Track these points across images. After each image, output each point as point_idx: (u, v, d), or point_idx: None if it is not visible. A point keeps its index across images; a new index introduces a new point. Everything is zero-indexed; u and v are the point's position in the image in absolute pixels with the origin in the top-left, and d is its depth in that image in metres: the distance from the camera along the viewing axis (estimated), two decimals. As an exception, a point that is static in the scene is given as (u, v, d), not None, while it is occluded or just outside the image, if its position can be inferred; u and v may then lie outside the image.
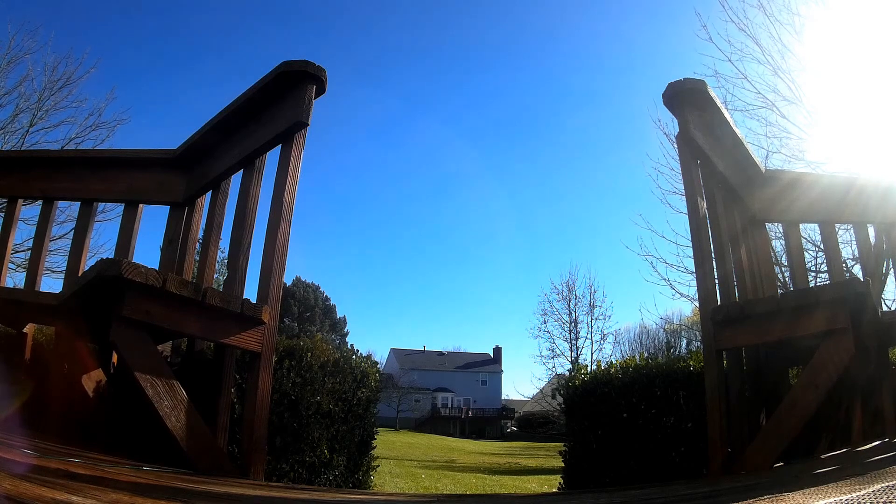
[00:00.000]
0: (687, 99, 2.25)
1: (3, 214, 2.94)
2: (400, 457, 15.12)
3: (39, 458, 1.29)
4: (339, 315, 42.81)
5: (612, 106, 64.21)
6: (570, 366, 26.39)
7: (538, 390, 32.14)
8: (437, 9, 67.20)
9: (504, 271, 77.14)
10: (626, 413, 2.82)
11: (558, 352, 30.05)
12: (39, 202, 2.79)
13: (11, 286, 3.54)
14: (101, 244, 9.95)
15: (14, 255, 8.44)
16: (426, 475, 9.22)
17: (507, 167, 74.37)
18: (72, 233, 3.77)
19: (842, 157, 7.60)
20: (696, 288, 4.56)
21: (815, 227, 4.32)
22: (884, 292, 7.33)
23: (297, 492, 1.77)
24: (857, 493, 0.91)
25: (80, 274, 2.44)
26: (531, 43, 66.99)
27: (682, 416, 2.66)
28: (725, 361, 2.09)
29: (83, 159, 2.97)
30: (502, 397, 52.48)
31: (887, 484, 0.97)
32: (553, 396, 26.86)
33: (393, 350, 52.96)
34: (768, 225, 2.75)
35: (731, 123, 2.38)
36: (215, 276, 2.51)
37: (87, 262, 2.62)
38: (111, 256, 1.87)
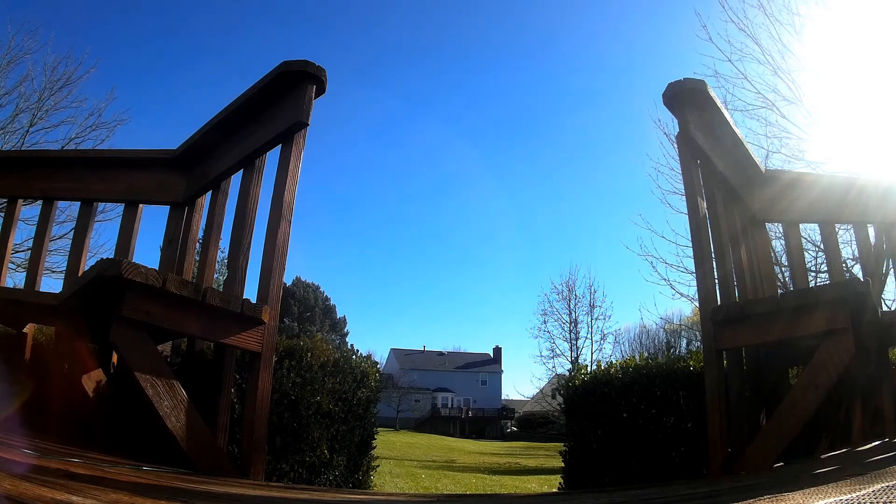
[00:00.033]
0: (687, 99, 2.25)
1: (3, 214, 2.94)
2: (400, 457, 15.12)
3: (39, 458, 1.29)
4: (339, 315, 42.84)
5: (612, 106, 64.32)
6: (570, 366, 26.40)
7: (538, 390, 32.16)
8: (437, 9, 67.28)
9: (504, 271, 77.26)
10: (626, 413, 2.82)
11: (558, 352, 30.09)
12: (39, 202, 2.79)
13: (11, 286, 3.54)
14: (101, 244, 9.98)
15: (14, 255, 8.45)
16: (426, 475, 9.22)
17: (507, 167, 74.50)
18: (72, 233, 3.77)
19: (842, 157, 7.61)
20: (696, 288, 4.56)
21: (815, 227, 4.32)
22: (884, 292, 7.33)
23: (297, 492, 1.77)
24: (857, 493, 0.91)
25: (80, 274, 2.44)
26: (531, 43, 67.13)
27: (682, 416, 2.66)
28: (725, 361, 2.09)
29: (83, 159, 2.97)
30: (502, 397, 52.49)
31: (887, 484, 0.97)
32: (553, 396, 26.86)
33: (393, 350, 52.97)
34: (768, 225, 2.75)
35: (731, 123, 2.38)
36: (215, 276, 2.51)
37: (87, 262, 2.62)
38: (111, 256, 1.87)
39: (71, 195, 3.01)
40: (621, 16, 57.32)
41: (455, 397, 50.89)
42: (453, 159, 75.39)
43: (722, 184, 2.40)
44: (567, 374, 6.91)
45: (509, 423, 48.60)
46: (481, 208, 75.28)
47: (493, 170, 74.89)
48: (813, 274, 7.68)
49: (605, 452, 2.88)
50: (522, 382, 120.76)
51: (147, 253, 13.99)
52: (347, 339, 41.35)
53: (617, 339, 36.53)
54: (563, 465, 3.26)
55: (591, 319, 30.43)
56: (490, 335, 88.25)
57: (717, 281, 2.22)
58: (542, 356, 32.94)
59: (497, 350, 55.34)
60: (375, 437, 3.24)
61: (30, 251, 4.58)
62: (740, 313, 1.95)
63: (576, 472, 3.09)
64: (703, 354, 2.14)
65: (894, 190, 2.67)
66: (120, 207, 2.99)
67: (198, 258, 2.61)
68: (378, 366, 3.44)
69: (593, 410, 3.00)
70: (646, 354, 12.50)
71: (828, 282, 3.12)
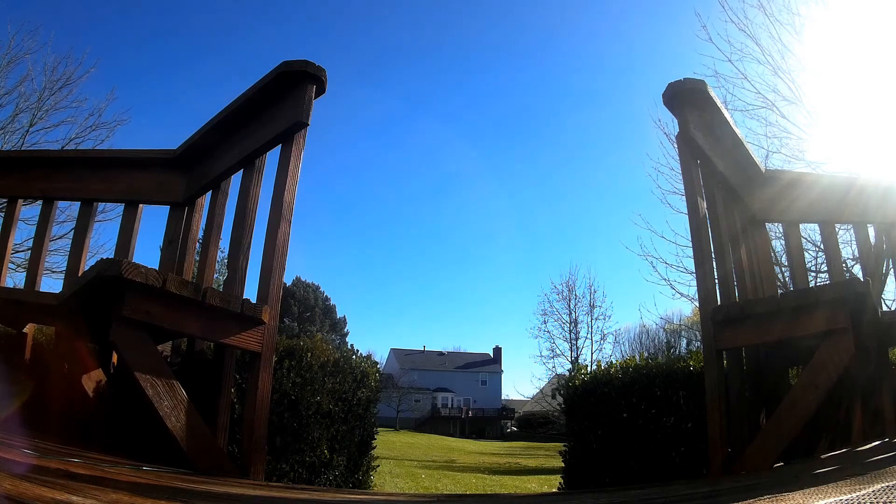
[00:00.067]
0: (687, 99, 2.25)
1: (3, 214, 2.94)
2: (400, 457, 15.12)
3: (39, 458, 1.29)
4: (339, 315, 42.83)
5: (612, 106, 64.32)
6: (570, 366, 26.40)
7: (538, 390, 32.15)
8: (437, 9, 67.27)
9: (504, 271, 77.25)
10: (626, 413, 2.82)
11: (558, 352, 30.09)
12: (39, 202, 2.79)
13: (11, 286, 3.54)
14: (101, 244, 9.98)
15: (14, 255, 8.45)
16: (426, 475, 9.22)
17: (507, 167, 74.46)
18: (72, 233, 3.77)
19: (842, 157, 7.61)
20: (696, 288, 4.56)
21: (815, 227, 4.32)
22: (884, 292, 7.34)
23: (297, 492, 1.77)
24: (857, 493, 0.91)
25: (80, 274, 2.44)
26: (531, 43, 67.08)
27: (682, 416, 2.66)
28: (725, 361, 2.09)
29: (83, 159, 2.97)
30: (502, 397, 52.49)
31: (887, 484, 0.97)
32: (553, 396, 26.86)
33: (393, 350, 52.97)
34: (768, 225, 2.75)
35: (731, 123, 2.38)
36: (215, 276, 2.51)
37: (87, 262, 2.62)
38: (111, 256, 1.87)
39: (71, 195, 3.00)
40: (621, 16, 57.41)
41: (455, 397, 50.89)
42: (453, 159, 75.49)
43: (722, 184, 2.40)
44: (567, 374, 6.91)
45: (509, 423, 48.59)
46: (481, 208, 75.42)
47: (493, 170, 74.98)
48: (813, 274, 7.68)
49: (605, 452, 2.88)
50: (522, 382, 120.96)
51: (147, 253, 14.01)
52: (347, 339, 41.40)
53: (617, 339, 36.63)
54: (562, 465, 3.26)
55: (591, 319, 30.47)
56: (490, 335, 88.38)
57: (717, 281, 2.22)
58: (542, 356, 32.99)
59: (497, 350, 55.37)
60: (375, 437, 3.24)
61: (30, 251, 4.58)
62: (740, 313, 1.95)
63: (576, 472, 3.09)
64: (703, 354, 2.14)
65: (894, 190, 2.67)
66: (120, 207, 2.99)
67: (198, 258, 2.61)
68: (378, 366, 3.44)
69: (593, 410, 3.00)
70: (646, 354, 12.50)
71: (828, 282, 3.12)
